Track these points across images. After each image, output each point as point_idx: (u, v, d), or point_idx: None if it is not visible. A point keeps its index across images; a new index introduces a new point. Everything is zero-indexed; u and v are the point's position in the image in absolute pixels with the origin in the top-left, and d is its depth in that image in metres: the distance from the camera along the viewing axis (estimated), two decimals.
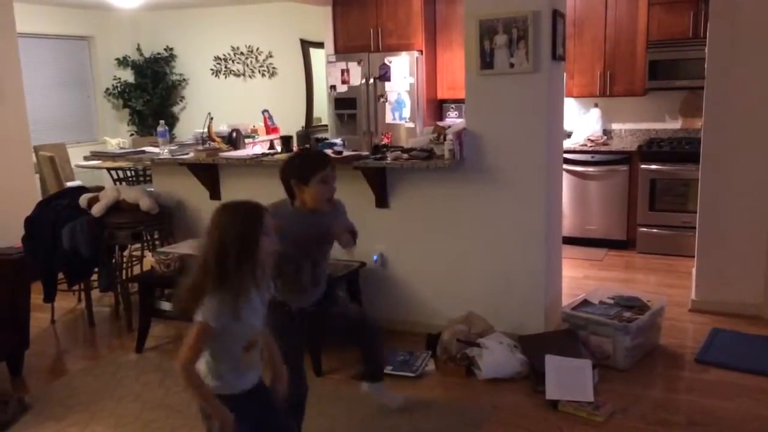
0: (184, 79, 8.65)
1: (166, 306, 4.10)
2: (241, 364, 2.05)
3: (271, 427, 2.16)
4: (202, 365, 2.03)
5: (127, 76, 8.63)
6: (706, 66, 4.24)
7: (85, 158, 5.41)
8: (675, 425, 3.03)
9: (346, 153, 4.21)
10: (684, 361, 3.71)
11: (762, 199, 4.18)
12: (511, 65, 3.67)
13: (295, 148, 4.58)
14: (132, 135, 8.37)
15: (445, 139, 3.81)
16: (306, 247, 2.65)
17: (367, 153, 4.21)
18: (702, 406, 3.19)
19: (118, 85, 8.52)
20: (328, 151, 4.21)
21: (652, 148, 5.76)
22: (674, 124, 6.13)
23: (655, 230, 5.71)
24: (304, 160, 2.69)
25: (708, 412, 3.13)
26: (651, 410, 3.15)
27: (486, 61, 3.72)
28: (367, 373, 3.15)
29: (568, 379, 3.27)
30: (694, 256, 4.51)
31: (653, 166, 5.65)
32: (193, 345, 1.94)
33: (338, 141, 4.68)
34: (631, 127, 6.29)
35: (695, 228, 4.49)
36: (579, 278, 5.11)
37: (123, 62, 8.58)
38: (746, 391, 3.31)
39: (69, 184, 6.29)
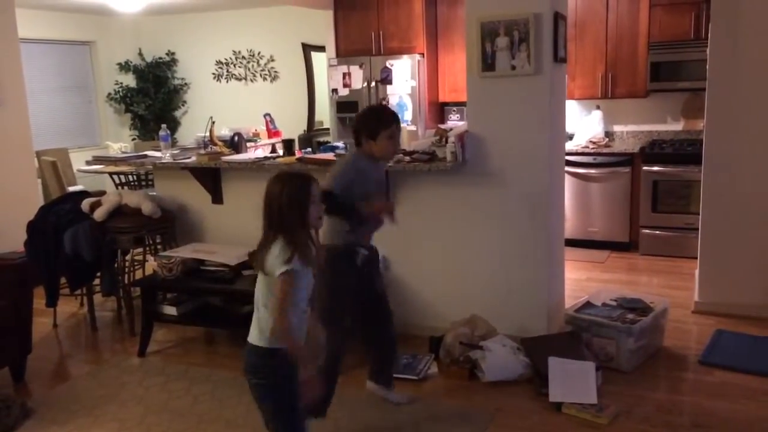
0: (185, 84, 8.67)
1: (168, 310, 4.10)
2: (305, 316, 2.29)
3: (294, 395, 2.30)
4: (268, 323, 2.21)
5: (129, 80, 8.64)
6: (707, 67, 4.23)
7: (87, 163, 5.40)
8: (679, 427, 3.03)
9: None
10: (688, 362, 3.70)
11: (765, 199, 4.17)
12: (513, 67, 3.67)
13: (297, 152, 4.58)
14: (134, 139, 8.38)
15: (447, 142, 3.81)
16: (378, 187, 3.10)
17: None
18: (706, 408, 3.18)
19: (120, 89, 8.53)
20: (331, 155, 4.22)
21: (654, 150, 5.75)
22: (676, 126, 6.12)
23: (657, 232, 5.70)
24: (373, 117, 2.97)
25: (712, 414, 3.12)
26: (655, 412, 3.14)
27: (487, 63, 3.72)
28: (382, 377, 3.28)
29: (572, 381, 3.26)
30: (697, 258, 4.50)
31: (655, 168, 5.64)
32: (282, 297, 2.15)
33: (340, 144, 4.69)
34: (632, 129, 6.29)
35: (698, 229, 4.49)
36: (582, 280, 5.11)
37: (125, 67, 8.59)
38: (751, 393, 3.30)
39: (71, 188, 6.31)
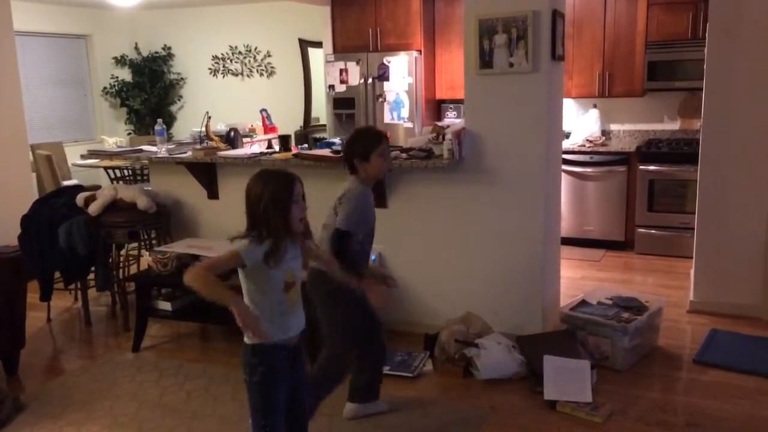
0: (182, 78, 8.64)
1: (162, 305, 4.09)
2: (285, 303, 2.24)
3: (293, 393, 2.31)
4: None
5: (125, 75, 8.61)
6: (705, 67, 4.24)
7: (82, 157, 5.39)
8: (673, 426, 3.03)
9: None
10: (682, 362, 3.71)
11: (760, 200, 4.18)
12: (511, 65, 3.66)
13: (293, 148, 4.57)
14: (129, 134, 8.35)
15: (444, 139, 3.80)
16: (374, 217, 3.01)
17: None
18: (700, 407, 3.18)
19: (116, 83, 8.50)
20: (327, 151, 4.20)
21: (651, 149, 5.75)
22: (673, 125, 6.13)
23: (653, 231, 5.71)
24: (361, 139, 2.93)
25: (706, 413, 3.12)
26: (649, 411, 3.15)
27: (485, 60, 3.71)
28: (368, 389, 3.14)
29: (567, 379, 3.26)
30: (692, 257, 4.51)
31: (651, 167, 5.65)
32: (216, 260, 2.15)
33: (337, 140, 4.67)
34: (629, 128, 6.29)
35: (693, 229, 4.49)
36: (577, 279, 5.11)
37: (120, 61, 8.56)
38: (744, 393, 3.31)
39: (66, 182, 6.29)
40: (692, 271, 4.50)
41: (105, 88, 8.50)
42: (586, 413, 3.09)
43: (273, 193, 2.15)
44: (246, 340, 2.24)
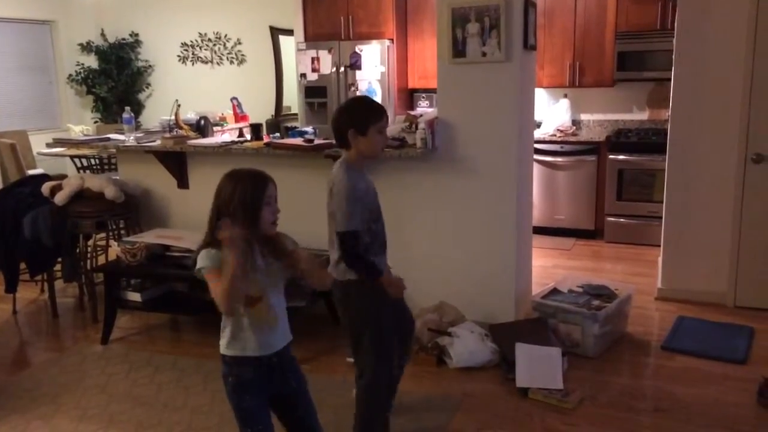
0: (149, 66, 8.48)
1: (132, 296, 4.03)
2: (244, 319, 2.09)
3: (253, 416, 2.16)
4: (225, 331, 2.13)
5: (91, 61, 8.42)
6: (673, 57, 4.29)
7: (48, 145, 5.26)
8: (642, 411, 3.08)
9: (317, 141, 4.16)
10: (650, 348, 3.77)
11: (726, 189, 4.26)
12: (483, 54, 3.67)
13: (265, 137, 4.52)
14: (96, 122, 8.18)
15: (417, 128, 3.80)
16: (377, 199, 2.67)
17: None
18: (668, 392, 3.24)
19: (82, 71, 8.30)
20: (299, 140, 4.17)
21: (620, 139, 5.82)
22: (641, 115, 6.21)
23: (622, 220, 5.79)
24: (361, 109, 2.58)
25: (674, 398, 3.18)
26: (619, 397, 3.20)
27: (458, 49, 3.71)
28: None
29: (538, 366, 3.30)
30: (660, 246, 4.58)
31: (621, 157, 5.72)
32: (215, 286, 2.00)
33: (309, 129, 4.64)
34: (599, 118, 6.36)
35: (661, 218, 4.56)
36: (548, 267, 5.16)
37: (87, 48, 8.36)
38: (711, 378, 3.38)
39: (31, 172, 6.13)
40: (660, 259, 4.58)
41: (71, 75, 8.31)
42: (557, 400, 3.13)
43: (243, 193, 2.03)
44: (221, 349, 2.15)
